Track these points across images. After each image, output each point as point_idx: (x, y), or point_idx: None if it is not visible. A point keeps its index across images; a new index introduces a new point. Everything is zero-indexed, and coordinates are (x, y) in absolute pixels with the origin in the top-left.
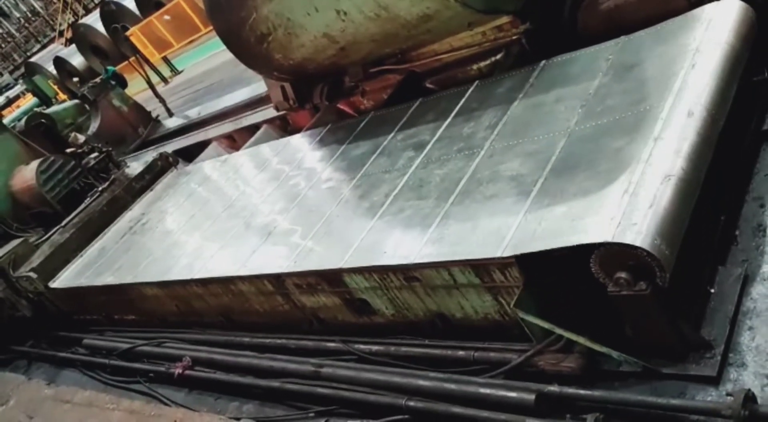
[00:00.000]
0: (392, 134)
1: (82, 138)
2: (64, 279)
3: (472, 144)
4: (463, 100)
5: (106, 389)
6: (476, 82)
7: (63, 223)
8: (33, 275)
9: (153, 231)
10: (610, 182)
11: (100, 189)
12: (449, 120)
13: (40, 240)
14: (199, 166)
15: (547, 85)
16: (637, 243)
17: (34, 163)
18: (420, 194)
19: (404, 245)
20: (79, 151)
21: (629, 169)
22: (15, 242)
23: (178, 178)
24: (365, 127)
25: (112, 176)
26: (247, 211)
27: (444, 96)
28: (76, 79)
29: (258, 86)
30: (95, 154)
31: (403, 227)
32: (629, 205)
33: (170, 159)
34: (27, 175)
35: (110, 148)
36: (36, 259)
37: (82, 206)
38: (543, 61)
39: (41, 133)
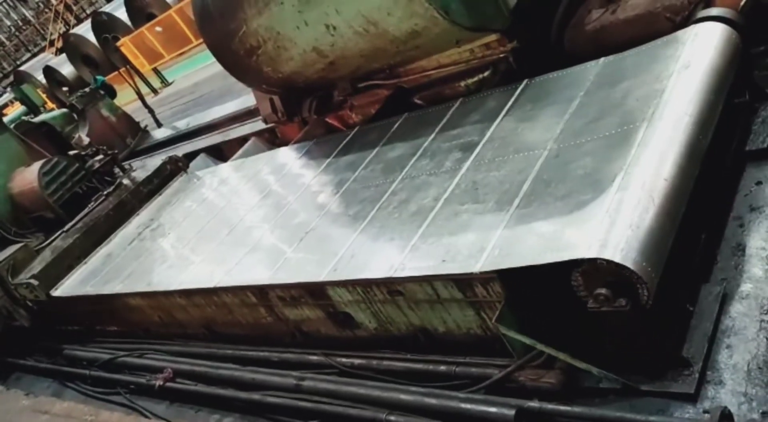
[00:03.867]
0: (432, 135)
1: (86, 140)
2: (67, 287)
3: (531, 144)
4: (512, 100)
5: (86, 400)
6: (525, 81)
7: (66, 228)
8: (34, 282)
9: (164, 238)
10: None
11: (105, 193)
12: (499, 120)
13: (40, 246)
14: (212, 169)
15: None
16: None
17: (36, 165)
18: (476, 198)
19: (464, 251)
20: (83, 153)
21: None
22: (14, 247)
23: (189, 183)
24: (399, 128)
25: (118, 180)
26: (270, 219)
27: (489, 96)
28: (65, 89)
29: (247, 99)
30: (100, 157)
31: (461, 233)
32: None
33: (180, 163)
34: (28, 176)
35: (115, 151)
36: (37, 265)
37: (86, 210)
38: (602, 59)
39: (43, 135)
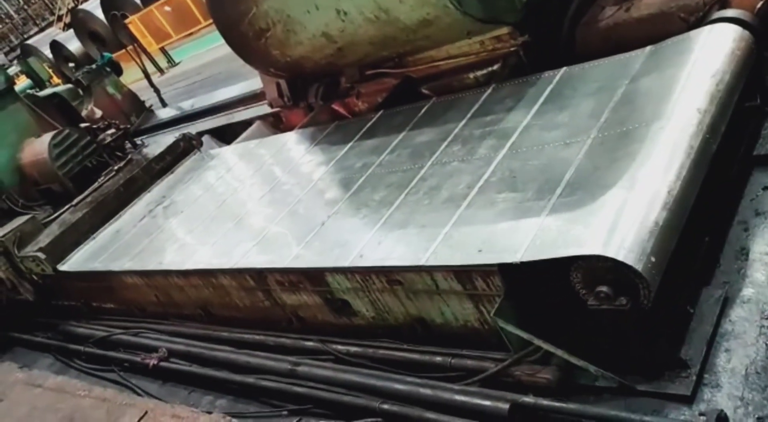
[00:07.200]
0: (463, 121)
1: (99, 112)
2: (74, 262)
3: (573, 132)
4: (551, 86)
5: (80, 376)
6: (564, 69)
7: (74, 202)
8: (41, 255)
9: (176, 216)
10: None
11: (115, 168)
12: (537, 107)
13: (48, 219)
14: (228, 148)
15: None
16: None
17: (47, 136)
18: (514, 186)
19: (503, 241)
20: (95, 126)
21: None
22: (21, 219)
23: (202, 162)
24: (426, 113)
25: (129, 155)
26: (292, 199)
27: (525, 82)
28: (71, 64)
29: (253, 82)
30: (112, 131)
31: (499, 221)
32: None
33: (193, 141)
34: (38, 147)
35: (128, 126)
36: (44, 239)
37: (96, 185)
38: (648, 47)
39: (54, 106)
